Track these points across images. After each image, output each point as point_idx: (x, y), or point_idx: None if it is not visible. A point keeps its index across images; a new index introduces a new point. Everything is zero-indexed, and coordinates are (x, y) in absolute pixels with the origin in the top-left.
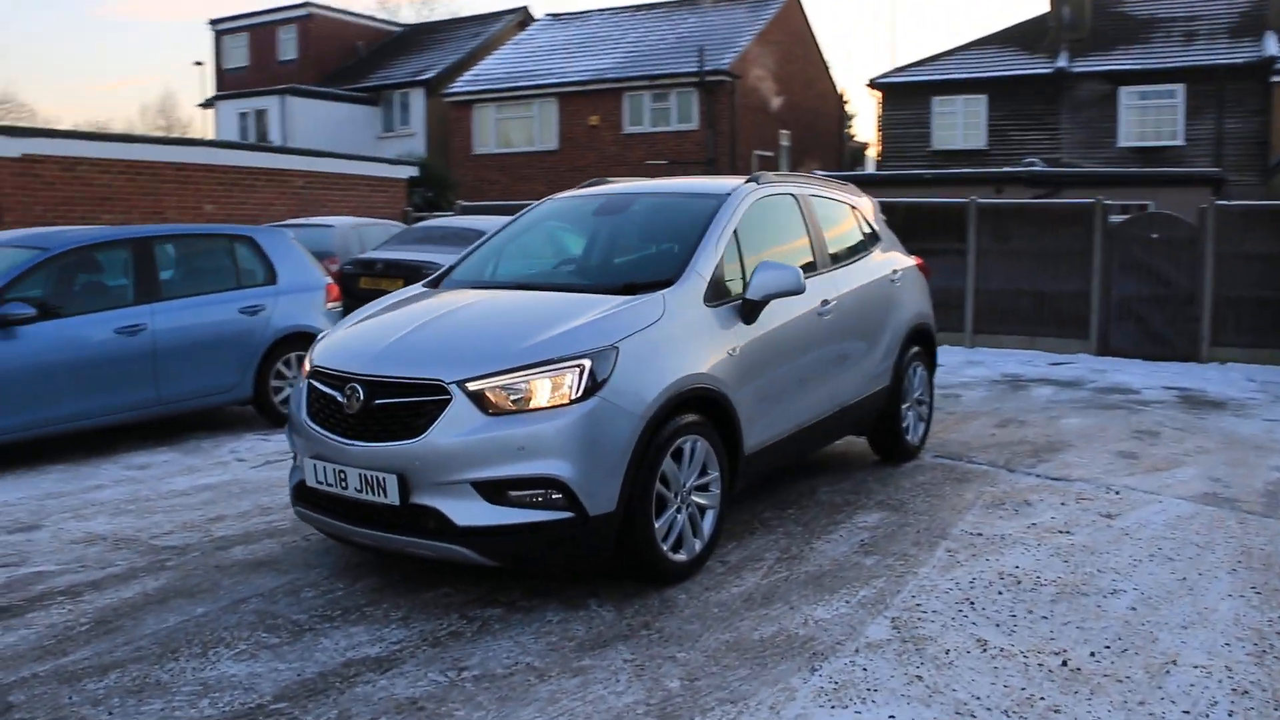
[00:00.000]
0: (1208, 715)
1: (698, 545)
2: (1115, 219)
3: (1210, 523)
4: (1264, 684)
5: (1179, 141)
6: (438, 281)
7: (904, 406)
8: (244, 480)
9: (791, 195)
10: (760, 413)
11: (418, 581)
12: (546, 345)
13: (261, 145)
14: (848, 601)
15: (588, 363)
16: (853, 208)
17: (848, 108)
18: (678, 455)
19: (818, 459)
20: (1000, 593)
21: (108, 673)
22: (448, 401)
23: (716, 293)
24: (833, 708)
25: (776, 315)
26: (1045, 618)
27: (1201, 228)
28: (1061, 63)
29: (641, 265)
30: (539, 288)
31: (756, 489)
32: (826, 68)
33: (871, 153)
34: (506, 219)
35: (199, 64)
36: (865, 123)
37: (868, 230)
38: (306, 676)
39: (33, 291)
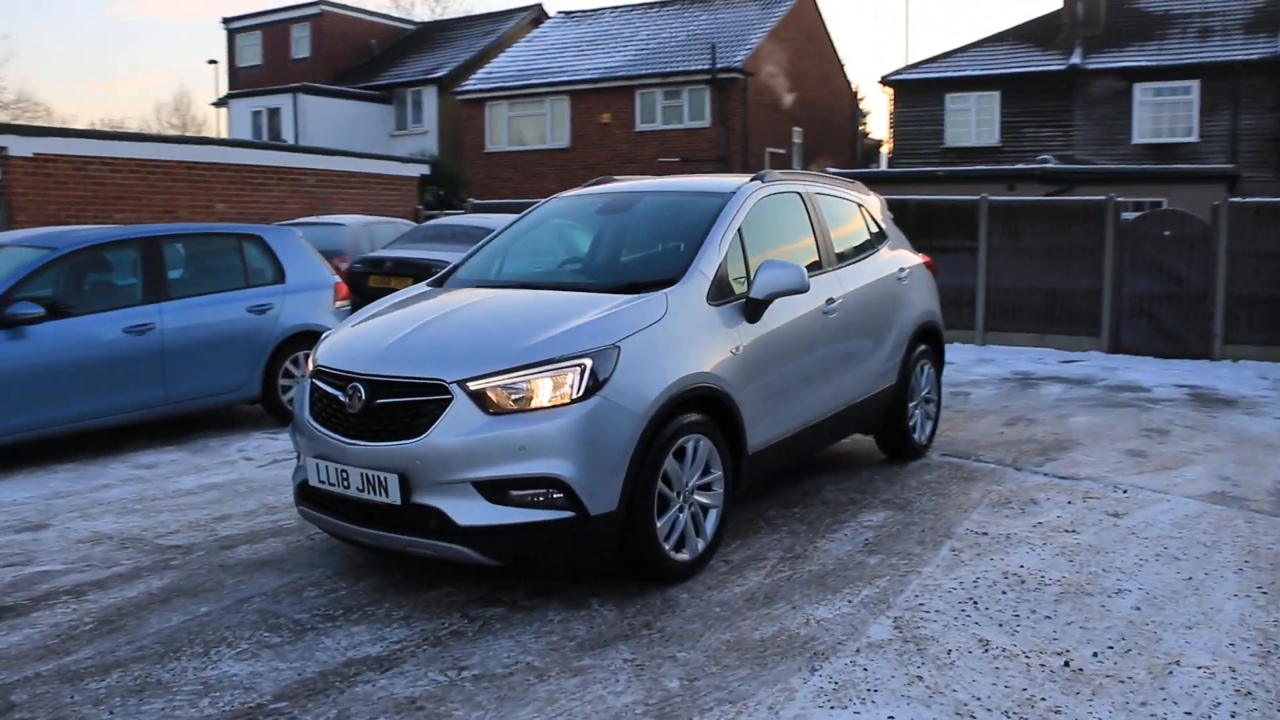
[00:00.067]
0: (1210, 716)
1: (700, 544)
2: (1127, 216)
3: (1218, 522)
4: (1268, 684)
5: (1194, 138)
6: (442, 280)
7: (911, 405)
8: (251, 479)
9: (797, 193)
10: (764, 411)
11: (421, 581)
12: (547, 345)
13: (273, 144)
14: (850, 601)
15: (589, 362)
16: (859, 205)
17: (862, 105)
18: (680, 454)
19: (824, 457)
20: (1004, 592)
21: (110, 672)
22: (449, 401)
23: (720, 291)
24: (832, 708)
25: (781, 314)
26: (1048, 617)
27: (1214, 225)
28: (1075, 59)
29: (645, 264)
30: (542, 287)
31: (762, 487)
32: (840, 64)
33: (885, 150)
34: (514, 217)
35: (213, 62)
36: (880, 120)
37: (874, 228)
38: (307, 676)
39: (42, 291)
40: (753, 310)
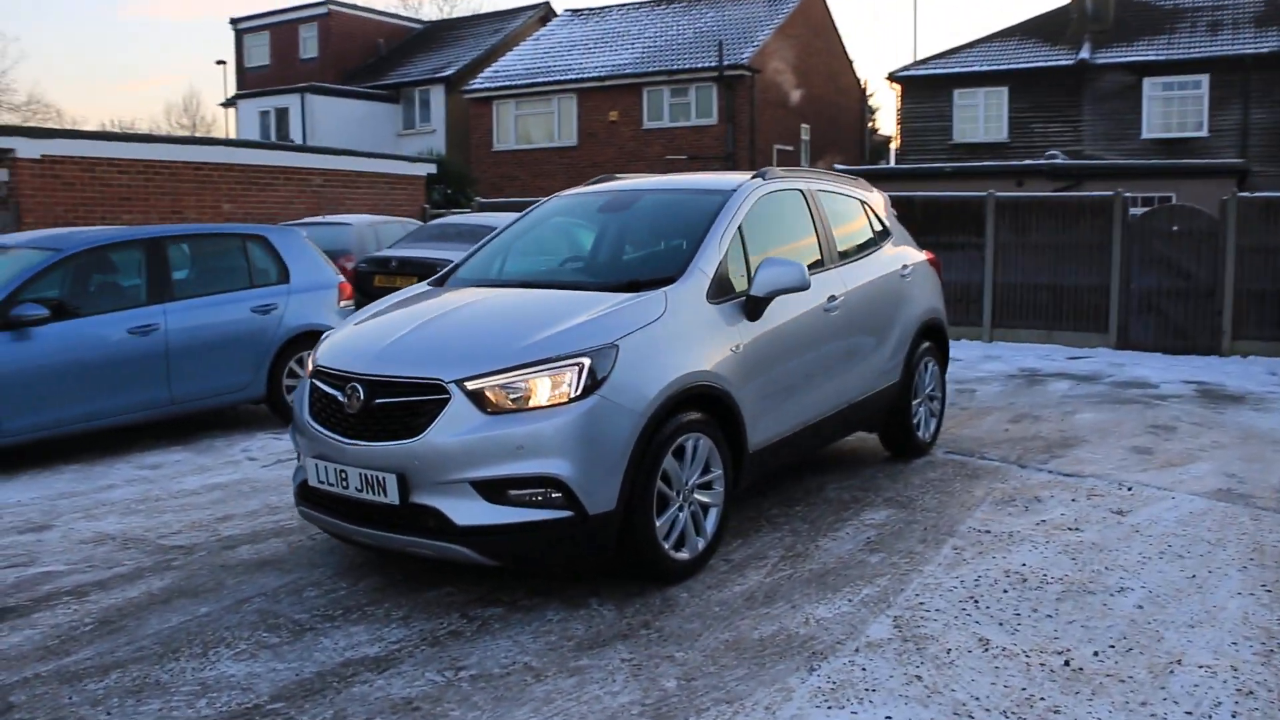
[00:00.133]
0: (1211, 716)
1: (700, 543)
2: (1135, 212)
3: (1223, 519)
4: (1270, 684)
5: (1203, 133)
6: (443, 279)
7: (915, 402)
8: (254, 479)
9: (799, 190)
10: (765, 410)
11: (420, 581)
12: (545, 344)
13: (279, 144)
14: (850, 600)
15: (587, 361)
16: (862, 202)
17: (870, 101)
18: (679, 453)
19: (827, 455)
20: (1005, 591)
21: (109, 673)
22: (447, 401)
23: (720, 289)
24: (829, 708)
25: (782, 311)
26: (1050, 616)
27: (1222, 220)
28: (1084, 54)
29: (645, 262)
30: (543, 285)
31: (764, 486)
32: (849, 60)
33: (894, 146)
34: (515, 216)
35: (221, 63)
36: (888, 116)
37: (878, 225)
38: (305, 676)
39: (47, 292)
40: (753, 308)
